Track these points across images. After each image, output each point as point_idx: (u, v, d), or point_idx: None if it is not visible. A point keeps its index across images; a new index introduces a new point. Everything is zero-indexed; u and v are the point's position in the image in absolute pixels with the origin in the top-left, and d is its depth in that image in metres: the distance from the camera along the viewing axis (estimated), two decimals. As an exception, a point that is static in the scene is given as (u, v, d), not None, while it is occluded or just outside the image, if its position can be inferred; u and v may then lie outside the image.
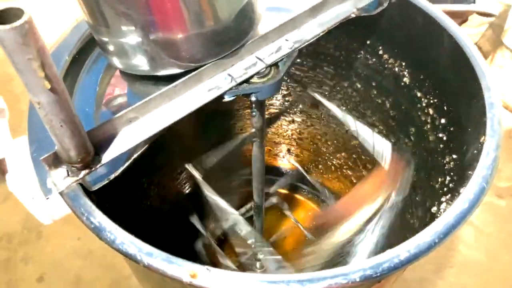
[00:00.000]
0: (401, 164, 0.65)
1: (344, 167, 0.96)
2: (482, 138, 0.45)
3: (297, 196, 1.09)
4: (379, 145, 0.66)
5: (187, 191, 1.00)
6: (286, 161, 1.08)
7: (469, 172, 0.46)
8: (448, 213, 0.40)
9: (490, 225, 1.23)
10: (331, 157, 0.98)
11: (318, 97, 0.75)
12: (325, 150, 0.98)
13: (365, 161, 0.90)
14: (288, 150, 1.06)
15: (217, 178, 0.80)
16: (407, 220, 0.71)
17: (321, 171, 1.03)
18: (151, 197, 0.86)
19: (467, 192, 0.41)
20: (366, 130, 0.68)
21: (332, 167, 1.00)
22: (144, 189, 0.84)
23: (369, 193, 0.66)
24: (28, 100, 0.49)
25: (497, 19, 1.38)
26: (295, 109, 0.94)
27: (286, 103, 0.93)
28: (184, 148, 0.89)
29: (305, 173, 1.04)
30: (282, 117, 0.97)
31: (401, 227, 0.75)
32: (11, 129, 1.51)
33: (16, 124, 1.60)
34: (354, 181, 0.96)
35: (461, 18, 0.62)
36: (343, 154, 0.94)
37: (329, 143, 0.96)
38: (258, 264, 0.90)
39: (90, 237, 1.30)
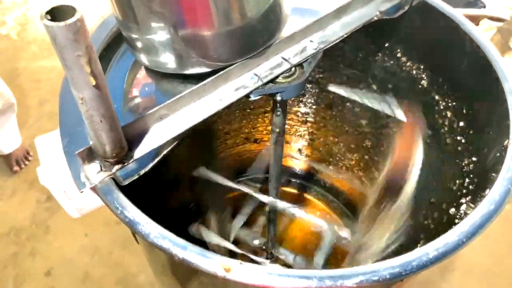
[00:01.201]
0: (416, 115, 0.67)
1: (356, 168, 0.97)
2: (506, 142, 0.46)
3: (308, 196, 1.10)
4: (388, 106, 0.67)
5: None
6: (297, 161, 1.09)
7: (493, 175, 0.47)
8: (474, 214, 0.41)
9: (495, 229, 1.23)
10: (343, 158, 0.99)
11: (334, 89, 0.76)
12: (337, 150, 0.99)
13: (377, 162, 0.90)
14: (300, 150, 1.07)
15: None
16: (420, 221, 0.72)
17: (332, 171, 1.04)
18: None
19: (493, 194, 0.42)
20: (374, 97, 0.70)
21: (344, 167, 1.00)
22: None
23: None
24: (60, 96, 0.50)
25: (505, 24, 1.39)
26: (308, 110, 0.94)
27: (300, 103, 0.94)
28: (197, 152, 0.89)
29: (316, 173, 1.05)
30: (295, 117, 0.98)
31: (414, 228, 0.75)
32: (19, 124, 1.52)
33: (23, 119, 1.61)
34: (365, 181, 0.96)
35: (473, 22, 0.62)
36: (355, 155, 0.95)
37: (341, 144, 0.97)
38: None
39: (97, 233, 1.32)
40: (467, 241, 0.39)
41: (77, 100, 0.35)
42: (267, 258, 0.91)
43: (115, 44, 0.58)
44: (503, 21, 1.30)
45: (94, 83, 0.33)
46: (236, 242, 0.96)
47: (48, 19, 0.29)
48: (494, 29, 1.52)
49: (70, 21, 0.29)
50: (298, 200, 1.08)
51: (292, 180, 1.10)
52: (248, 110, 0.96)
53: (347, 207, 1.03)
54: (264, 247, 0.91)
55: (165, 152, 0.46)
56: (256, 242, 0.93)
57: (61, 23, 0.29)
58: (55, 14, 0.30)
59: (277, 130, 0.61)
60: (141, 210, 0.41)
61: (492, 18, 1.22)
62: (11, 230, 1.36)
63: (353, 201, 1.01)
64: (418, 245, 0.70)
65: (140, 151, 0.44)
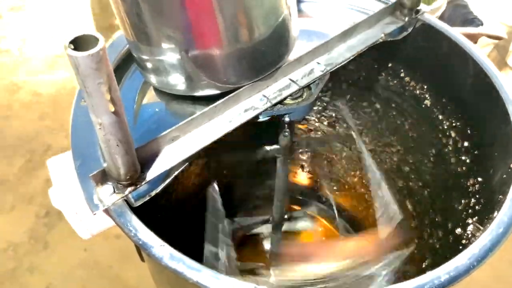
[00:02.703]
0: (399, 241, 0.66)
1: (358, 185, 0.98)
2: (512, 163, 0.47)
3: (309, 212, 1.10)
4: (389, 210, 0.67)
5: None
6: (299, 177, 1.09)
7: (500, 196, 0.47)
8: (483, 237, 0.41)
9: (497, 244, 1.24)
10: (345, 175, 0.99)
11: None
12: (339, 167, 0.99)
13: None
14: (302, 166, 1.07)
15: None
16: (426, 240, 0.72)
17: (334, 188, 1.04)
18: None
19: (501, 217, 0.43)
20: (384, 188, 0.70)
21: (346, 185, 1.01)
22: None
23: (350, 251, 0.66)
24: (71, 118, 0.51)
25: (502, 40, 1.41)
26: (311, 127, 0.95)
27: (304, 120, 0.95)
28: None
29: (318, 190, 1.05)
30: (298, 134, 0.98)
31: (419, 247, 0.76)
32: (19, 138, 1.52)
33: (24, 133, 1.61)
34: (367, 198, 0.97)
35: (472, 40, 0.63)
36: (357, 172, 0.96)
37: (343, 160, 0.98)
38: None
39: (96, 248, 1.31)
40: (478, 265, 0.39)
41: (95, 126, 0.35)
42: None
43: (124, 64, 0.59)
44: (500, 39, 1.32)
45: (113, 109, 0.34)
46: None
47: (72, 49, 0.30)
48: (491, 46, 1.55)
49: (93, 51, 0.29)
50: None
51: (294, 196, 1.10)
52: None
53: (350, 224, 1.04)
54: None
55: (176, 173, 0.47)
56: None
57: (85, 53, 0.29)
58: (78, 43, 0.31)
59: (284, 149, 0.62)
60: (154, 230, 0.41)
61: (490, 36, 1.24)
62: (9, 246, 1.34)
63: (356, 218, 1.02)
64: (424, 264, 0.70)
65: (152, 173, 0.44)
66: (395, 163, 0.81)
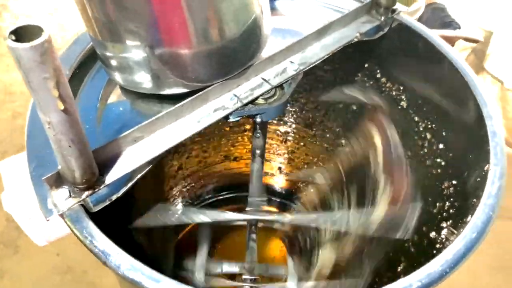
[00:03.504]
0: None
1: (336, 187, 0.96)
2: (486, 167, 0.46)
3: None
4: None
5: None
6: (277, 179, 1.08)
7: (473, 200, 0.46)
8: (456, 243, 0.40)
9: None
10: (323, 177, 0.98)
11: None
12: (316, 169, 0.98)
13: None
14: (279, 168, 1.05)
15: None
16: (401, 243, 0.71)
17: (312, 190, 1.03)
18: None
19: (475, 221, 0.41)
20: None
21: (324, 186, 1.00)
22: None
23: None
24: (28, 116, 0.48)
25: (479, 44, 1.43)
26: (288, 129, 0.94)
27: (280, 122, 0.93)
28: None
29: (296, 192, 1.04)
30: (275, 136, 0.97)
31: (394, 250, 0.75)
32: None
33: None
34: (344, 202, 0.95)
35: (449, 43, 0.63)
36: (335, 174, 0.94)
37: (320, 163, 0.96)
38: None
39: (70, 252, 1.27)
40: (450, 271, 0.38)
41: (44, 124, 0.33)
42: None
43: (89, 61, 0.56)
44: (477, 42, 1.33)
45: (62, 107, 0.31)
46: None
47: (13, 40, 0.27)
48: (468, 50, 1.56)
49: (36, 42, 0.27)
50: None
51: (273, 198, 1.08)
52: (227, 129, 0.94)
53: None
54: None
55: (138, 176, 0.44)
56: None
57: (27, 45, 0.27)
58: (21, 34, 0.28)
59: (257, 151, 0.60)
60: (112, 239, 0.39)
61: (467, 39, 1.25)
62: (-22, 250, 1.29)
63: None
64: (399, 268, 0.69)
65: (112, 176, 0.42)
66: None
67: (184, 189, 0.99)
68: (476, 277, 1.23)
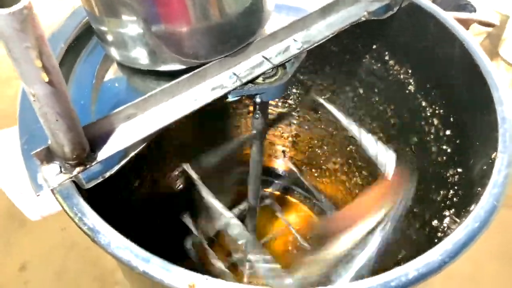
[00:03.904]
0: (404, 176, 0.64)
1: (339, 172, 0.95)
2: (494, 154, 0.44)
3: (290, 198, 1.07)
4: (383, 156, 0.64)
5: (179, 188, 0.98)
6: (280, 162, 1.06)
7: (478, 189, 0.44)
8: (457, 232, 0.38)
9: (478, 235, 1.23)
10: (327, 161, 0.96)
11: (321, 101, 0.73)
12: (320, 153, 0.96)
13: (360, 168, 0.88)
14: (284, 152, 1.04)
15: (211, 177, 0.78)
16: (403, 230, 0.70)
17: (316, 174, 1.01)
18: (141, 192, 0.84)
19: (478, 211, 0.40)
20: (370, 139, 0.67)
21: (327, 171, 0.98)
22: (134, 184, 0.81)
23: (371, 205, 0.64)
24: (21, 87, 0.47)
25: (495, 29, 1.38)
26: (293, 112, 0.92)
27: (285, 105, 0.91)
28: (179, 146, 0.86)
29: (299, 176, 1.02)
30: (279, 119, 0.95)
31: (395, 237, 0.73)
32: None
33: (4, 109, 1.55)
34: (348, 186, 0.94)
35: (463, 26, 0.60)
36: (338, 159, 0.93)
37: (325, 147, 0.95)
38: (248, 265, 0.88)
39: (74, 228, 1.28)
40: (449, 261, 0.36)
41: (29, 97, 0.32)
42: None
43: (87, 35, 0.55)
44: (493, 26, 1.28)
45: (46, 79, 0.30)
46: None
47: (-8, 6, 0.26)
48: (484, 35, 1.51)
49: (14, 8, 0.25)
50: (281, 202, 1.06)
51: (275, 181, 1.07)
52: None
53: (330, 210, 1.01)
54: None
55: (133, 153, 0.43)
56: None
57: (4, 11, 0.25)
58: (2, 2, 0.27)
59: (256, 132, 0.58)
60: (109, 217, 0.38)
61: (482, 23, 1.21)
62: (-16, 223, 1.31)
63: (336, 204, 0.99)
64: (399, 255, 0.68)
65: (104, 153, 0.40)
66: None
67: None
68: (478, 266, 1.21)
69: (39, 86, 0.30)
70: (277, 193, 1.07)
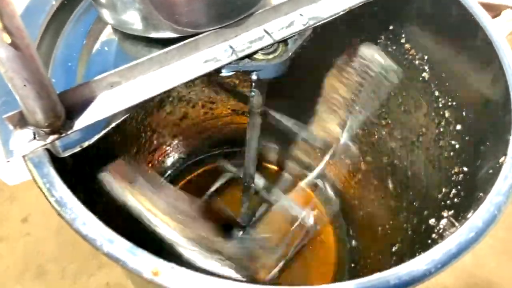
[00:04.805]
0: None
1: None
2: (502, 159, 0.40)
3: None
4: None
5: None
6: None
7: (480, 194, 0.41)
8: (449, 241, 0.35)
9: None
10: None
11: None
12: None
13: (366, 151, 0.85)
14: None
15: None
16: (401, 222, 0.67)
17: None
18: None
19: (475, 220, 0.36)
20: None
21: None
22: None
23: None
24: None
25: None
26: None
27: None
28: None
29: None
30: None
31: (392, 228, 0.71)
32: None
33: None
34: (351, 170, 0.91)
35: (495, 12, 0.55)
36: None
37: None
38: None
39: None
40: (435, 272, 0.34)
41: (-7, 59, 0.29)
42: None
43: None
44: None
45: (9, 41, 0.27)
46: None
47: None
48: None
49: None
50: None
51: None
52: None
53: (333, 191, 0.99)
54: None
55: (113, 124, 0.41)
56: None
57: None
58: None
59: (254, 110, 0.55)
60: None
61: (515, 9, 1.13)
62: (-11, 175, 1.33)
63: (336, 188, 0.97)
64: (394, 248, 0.66)
65: (82, 122, 0.38)
66: (383, 137, 0.74)
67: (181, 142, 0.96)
68: (479, 261, 1.19)
69: (2, 49, 0.28)
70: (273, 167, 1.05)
